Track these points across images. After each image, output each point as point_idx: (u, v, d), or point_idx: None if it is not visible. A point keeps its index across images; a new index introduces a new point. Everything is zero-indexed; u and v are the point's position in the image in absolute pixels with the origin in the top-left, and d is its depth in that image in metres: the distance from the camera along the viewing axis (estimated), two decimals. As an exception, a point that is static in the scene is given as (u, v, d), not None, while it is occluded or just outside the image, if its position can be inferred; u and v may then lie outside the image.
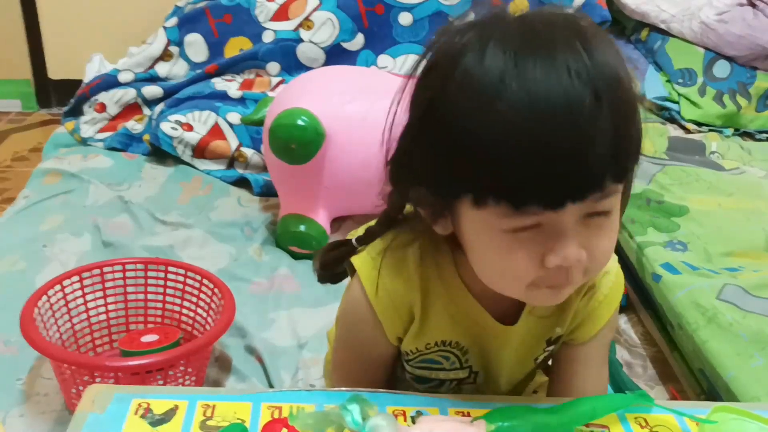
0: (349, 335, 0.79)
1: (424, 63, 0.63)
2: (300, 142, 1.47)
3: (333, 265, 0.78)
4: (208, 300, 1.27)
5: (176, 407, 0.70)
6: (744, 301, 1.19)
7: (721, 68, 1.88)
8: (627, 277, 1.52)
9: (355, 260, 0.74)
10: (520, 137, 0.56)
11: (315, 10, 2.14)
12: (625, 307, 1.51)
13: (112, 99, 2.15)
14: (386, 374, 0.81)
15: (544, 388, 0.87)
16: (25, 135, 2.35)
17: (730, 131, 1.85)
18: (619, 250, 1.55)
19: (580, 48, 0.56)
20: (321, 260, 0.80)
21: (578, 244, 0.60)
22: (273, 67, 2.14)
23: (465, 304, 0.72)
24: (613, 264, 0.76)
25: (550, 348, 0.78)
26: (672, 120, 1.87)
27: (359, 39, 2.13)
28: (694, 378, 1.21)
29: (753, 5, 1.88)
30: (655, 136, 1.76)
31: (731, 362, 1.09)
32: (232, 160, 1.98)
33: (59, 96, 2.47)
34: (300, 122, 1.47)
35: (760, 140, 1.85)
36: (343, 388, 0.73)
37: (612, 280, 0.76)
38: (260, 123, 1.66)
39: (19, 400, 1.19)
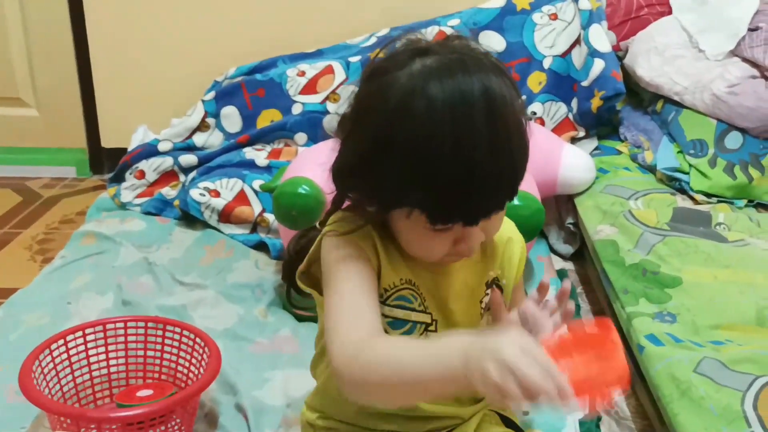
0: (340, 265, 0.84)
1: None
2: (300, 210, 1.55)
3: (303, 251, 0.92)
4: (199, 357, 1.34)
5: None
6: (720, 374, 1.18)
7: (733, 139, 1.87)
8: (625, 349, 1.52)
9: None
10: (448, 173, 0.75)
11: (341, 84, 2.25)
12: (620, 379, 1.50)
13: (151, 167, 2.30)
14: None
15: None
16: (76, 199, 2.51)
17: (743, 202, 1.82)
18: (616, 321, 1.54)
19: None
20: (294, 247, 0.96)
21: (479, 230, 0.82)
22: (300, 137, 2.26)
23: (410, 256, 0.87)
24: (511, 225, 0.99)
25: (489, 291, 0.95)
26: (682, 191, 1.86)
27: (382, 111, 2.21)
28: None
29: (766, 78, 1.87)
30: (662, 206, 1.76)
31: (697, 437, 1.08)
32: (255, 225, 2.08)
33: (110, 163, 2.63)
34: (301, 190, 1.55)
35: (773, 212, 1.81)
36: None
37: (519, 238, 1.00)
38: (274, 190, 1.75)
39: (20, 447, 1.27)
